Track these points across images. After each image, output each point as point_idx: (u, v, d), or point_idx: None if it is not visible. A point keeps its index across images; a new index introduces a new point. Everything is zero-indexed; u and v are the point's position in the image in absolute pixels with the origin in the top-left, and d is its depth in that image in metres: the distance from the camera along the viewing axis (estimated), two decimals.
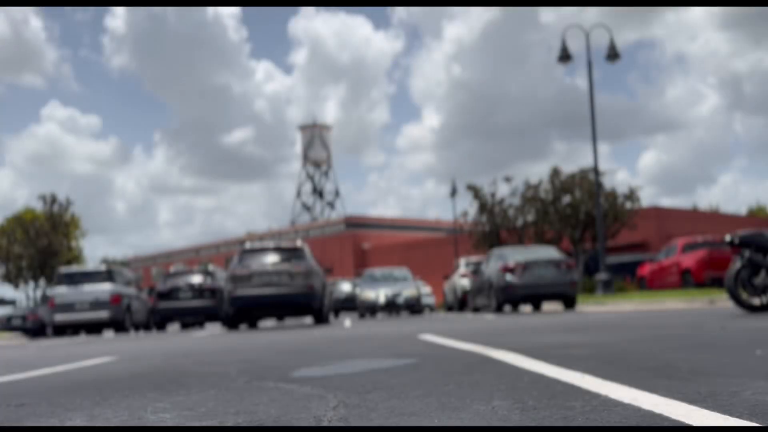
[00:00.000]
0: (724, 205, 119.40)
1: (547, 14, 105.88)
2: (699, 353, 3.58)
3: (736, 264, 8.86)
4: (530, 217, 37.40)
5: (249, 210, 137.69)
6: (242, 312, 15.88)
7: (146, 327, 22.71)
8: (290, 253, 15.19)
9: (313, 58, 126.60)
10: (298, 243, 15.86)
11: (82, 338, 17.54)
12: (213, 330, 17.52)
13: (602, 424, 1.86)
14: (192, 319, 21.23)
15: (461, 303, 24.44)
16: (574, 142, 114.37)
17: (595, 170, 22.72)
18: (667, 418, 1.87)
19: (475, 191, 38.97)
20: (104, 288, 20.02)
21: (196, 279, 21.16)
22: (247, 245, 15.74)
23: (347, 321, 17.87)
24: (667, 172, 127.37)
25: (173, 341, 10.11)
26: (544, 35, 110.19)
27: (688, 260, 21.77)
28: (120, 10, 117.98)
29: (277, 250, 15.35)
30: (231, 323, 16.17)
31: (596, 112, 22.11)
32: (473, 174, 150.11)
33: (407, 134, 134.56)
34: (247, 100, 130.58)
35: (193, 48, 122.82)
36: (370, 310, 22.19)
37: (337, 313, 29.39)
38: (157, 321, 21.36)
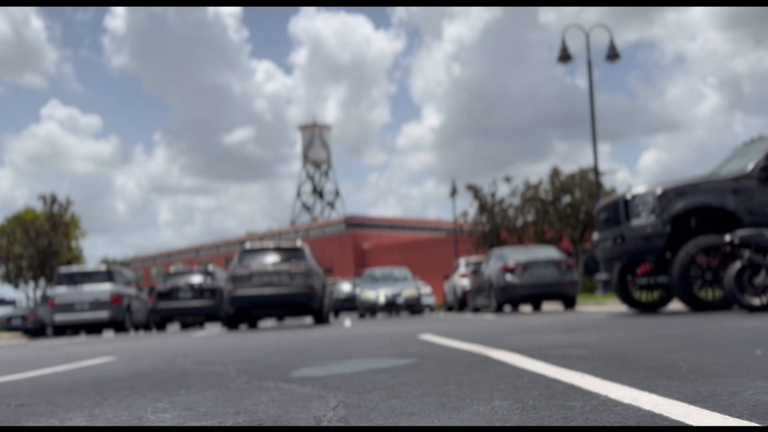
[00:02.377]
0: None
1: (547, 14, 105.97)
2: (699, 353, 3.58)
3: (736, 264, 8.87)
4: (530, 217, 37.42)
5: (249, 210, 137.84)
6: (242, 312, 15.88)
7: (146, 327, 22.71)
8: (290, 253, 15.20)
9: (314, 58, 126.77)
10: (298, 243, 15.86)
11: (82, 338, 17.54)
12: (213, 330, 17.52)
13: (602, 424, 1.86)
14: (192, 319, 21.23)
15: (461, 303, 24.46)
16: (574, 142, 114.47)
17: (595, 170, 22.72)
18: (667, 418, 1.87)
19: (475, 191, 39.00)
20: (104, 288, 20.03)
21: (196, 279, 21.17)
22: (247, 245, 15.74)
23: (347, 321, 17.87)
24: (668, 172, 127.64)
25: (173, 341, 10.11)
26: (544, 35, 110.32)
27: None
28: (120, 10, 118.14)
29: (277, 250, 15.35)
30: (231, 323, 16.17)
31: (596, 112, 22.13)
32: (473, 174, 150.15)
33: (407, 134, 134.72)
34: (247, 100, 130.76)
35: (194, 48, 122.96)
36: (370, 310, 22.20)
37: (337, 313, 29.38)
38: (157, 321, 21.36)
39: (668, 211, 9.57)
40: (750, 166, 9.78)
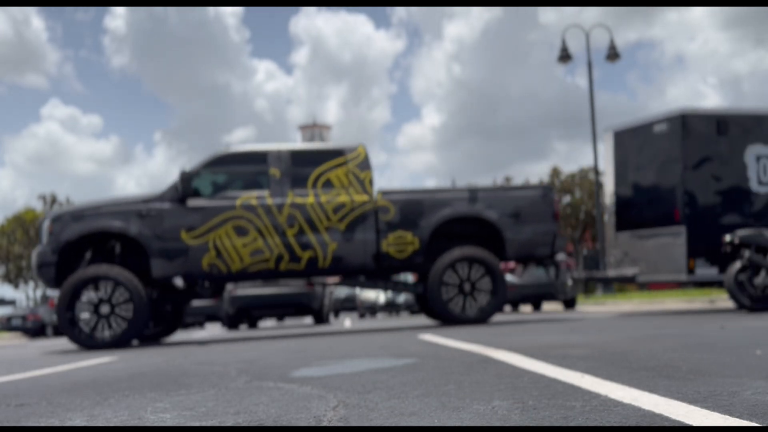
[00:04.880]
0: None
1: (547, 14, 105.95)
2: (699, 353, 3.58)
3: (736, 264, 8.87)
4: None
5: None
6: (242, 312, 15.88)
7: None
8: None
9: (314, 58, 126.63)
10: None
11: None
12: (213, 330, 17.52)
13: (602, 424, 1.86)
14: (192, 319, 21.22)
15: None
16: (574, 142, 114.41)
17: (595, 170, 22.72)
18: (667, 418, 1.87)
19: None
20: None
21: None
22: None
23: (347, 321, 17.87)
24: None
25: (173, 341, 10.11)
26: (544, 35, 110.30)
27: None
28: (120, 10, 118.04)
29: None
30: (231, 323, 16.16)
31: (596, 112, 22.14)
32: (473, 174, 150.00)
33: (408, 134, 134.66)
34: (247, 100, 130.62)
35: (194, 48, 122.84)
36: (370, 310, 22.21)
37: (337, 313, 29.39)
38: None
39: (60, 238, 8.63)
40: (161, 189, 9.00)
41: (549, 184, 9.90)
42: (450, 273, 9.17)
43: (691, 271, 10.05)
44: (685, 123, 10.29)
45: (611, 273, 11.22)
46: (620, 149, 11.15)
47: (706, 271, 10.08)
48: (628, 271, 10.84)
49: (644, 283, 11.52)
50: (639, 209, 10.87)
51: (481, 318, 9.18)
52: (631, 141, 10.99)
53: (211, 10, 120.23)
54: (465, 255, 9.16)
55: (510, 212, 9.38)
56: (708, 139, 10.38)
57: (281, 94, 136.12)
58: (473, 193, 9.43)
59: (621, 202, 11.08)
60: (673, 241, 10.17)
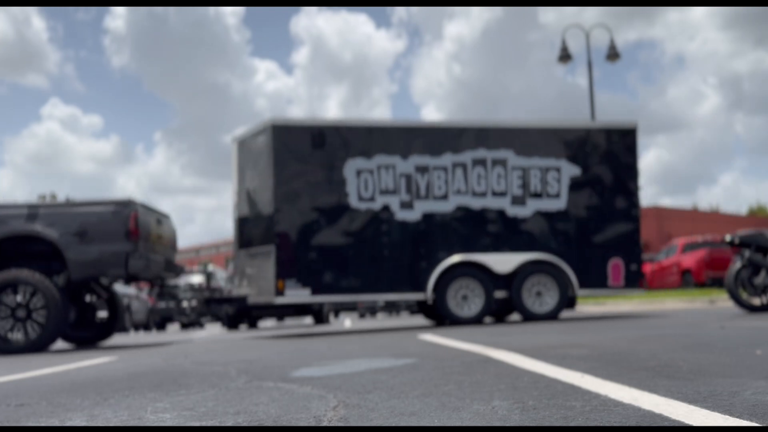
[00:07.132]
0: (725, 205, 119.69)
1: (547, 14, 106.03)
2: (699, 353, 3.58)
3: (736, 264, 8.87)
4: None
5: None
6: (242, 312, 15.89)
7: (146, 327, 22.70)
8: None
9: (315, 58, 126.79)
10: None
11: None
12: (213, 330, 17.52)
13: (602, 424, 1.86)
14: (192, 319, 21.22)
15: None
16: None
17: None
18: (667, 418, 1.87)
19: None
20: None
21: (196, 279, 21.17)
22: None
23: (347, 321, 17.87)
24: (668, 171, 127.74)
25: (173, 341, 10.10)
26: (544, 35, 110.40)
27: (688, 260, 21.76)
28: (121, 10, 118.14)
29: None
30: (231, 323, 16.17)
31: (596, 112, 22.12)
32: None
33: None
34: (248, 100, 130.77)
35: (194, 47, 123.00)
36: (370, 310, 22.19)
37: (337, 313, 29.39)
38: (157, 321, 21.33)
39: None
40: None
41: (127, 200, 8.68)
42: (8, 295, 8.41)
43: (280, 292, 9.51)
44: (276, 135, 9.71)
45: (232, 293, 10.62)
46: (240, 159, 10.42)
47: (297, 292, 9.55)
48: (243, 290, 10.32)
49: (254, 304, 10.68)
50: (250, 226, 10.18)
51: (31, 347, 8.41)
52: (246, 151, 10.35)
53: (211, 10, 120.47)
54: (9, 278, 8.36)
55: (74, 230, 8.53)
56: (302, 153, 9.74)
57: (281, 94, 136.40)
58: (33, 210, 8.60)
59: (240, 218, 10.34)
60: (267, 261, 9.65)
